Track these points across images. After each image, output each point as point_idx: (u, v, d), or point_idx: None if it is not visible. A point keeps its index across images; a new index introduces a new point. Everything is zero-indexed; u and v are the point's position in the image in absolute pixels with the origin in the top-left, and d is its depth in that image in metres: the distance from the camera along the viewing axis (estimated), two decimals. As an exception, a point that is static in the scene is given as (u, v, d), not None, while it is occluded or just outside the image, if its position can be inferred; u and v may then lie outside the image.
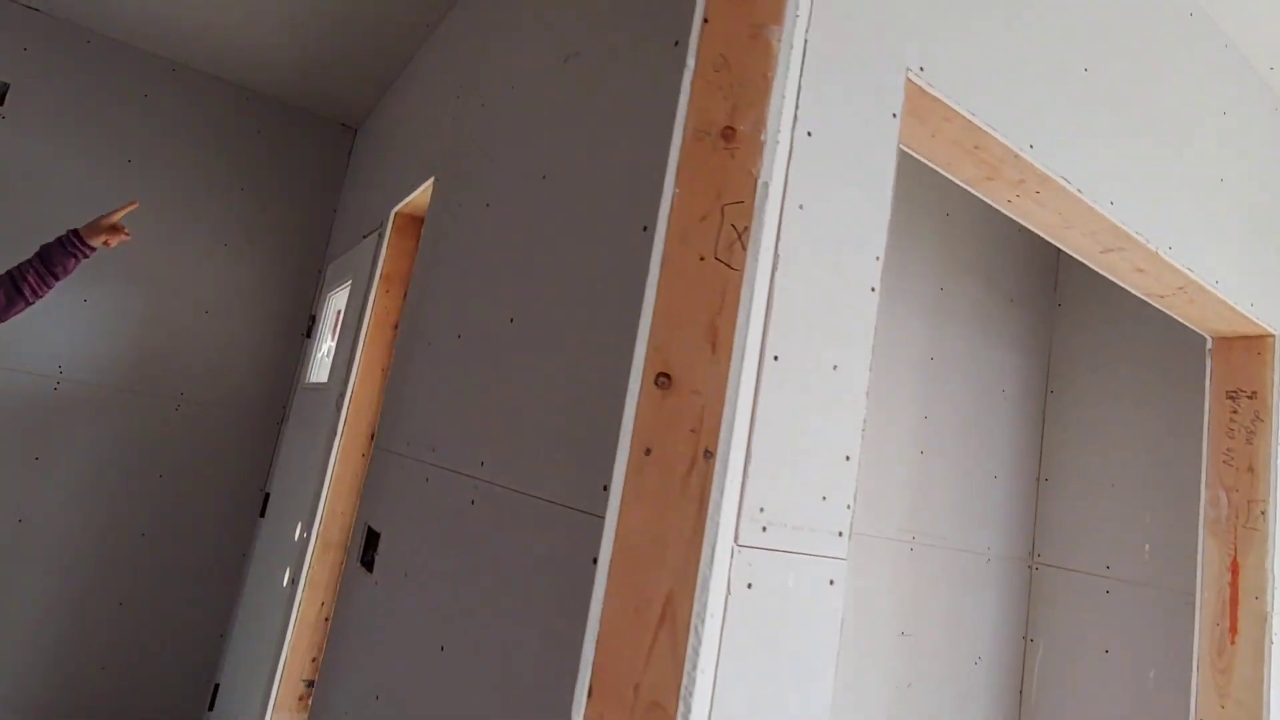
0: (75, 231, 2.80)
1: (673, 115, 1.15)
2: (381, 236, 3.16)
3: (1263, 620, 2.12)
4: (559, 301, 1.49)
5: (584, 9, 1.78)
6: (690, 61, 1.14)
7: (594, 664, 1.01)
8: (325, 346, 3.85)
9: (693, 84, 1.12)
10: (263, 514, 4.04)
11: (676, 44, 1.22)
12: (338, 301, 3.94)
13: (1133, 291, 2.21)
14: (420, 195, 2.88)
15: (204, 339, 4.10)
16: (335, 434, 3.02)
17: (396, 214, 3.14)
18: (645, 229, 1.17)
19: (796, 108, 1.13)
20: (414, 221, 3.17)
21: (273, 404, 4.27)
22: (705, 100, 1.11)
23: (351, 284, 3.40)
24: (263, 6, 3.38)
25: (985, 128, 1.49)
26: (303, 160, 4.42)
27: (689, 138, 1.11)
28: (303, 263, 4.40)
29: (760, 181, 1.09)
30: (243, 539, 4.19)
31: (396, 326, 3.11)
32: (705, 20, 1.14)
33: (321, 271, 4.43)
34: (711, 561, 1.01)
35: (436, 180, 2.60)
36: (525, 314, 1.64)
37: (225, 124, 4.22)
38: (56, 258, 2.75)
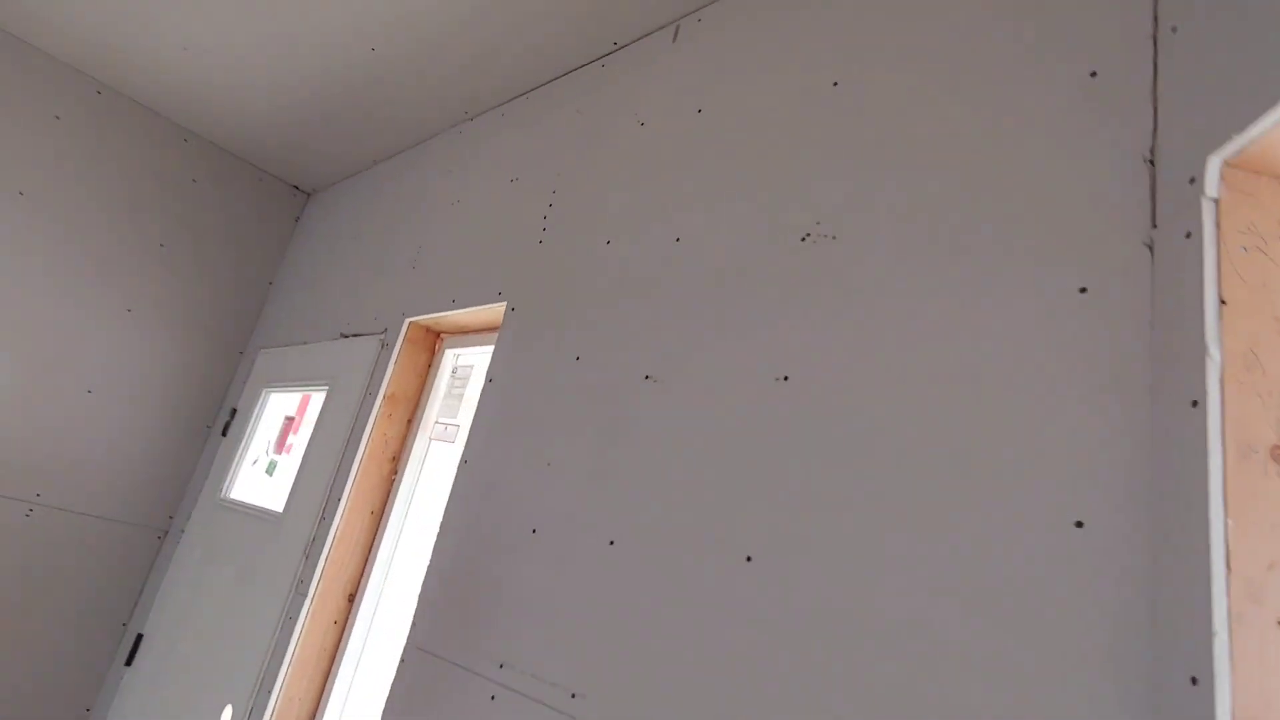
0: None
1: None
2: (387, 347, 2.62)
3: None
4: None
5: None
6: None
7: None
8: (259, 456, 3.12)
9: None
10: (130, 661, 3.12)
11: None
12: (284, 405, 3.25)
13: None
14: (464, 315, 2.42)
15: (79, 426, 3.20)
16: (298, 590, 2.37)
17: (412, 324, 2.63)
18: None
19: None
20: (430, 336, 2.67)
21: (154, 514, 3.39)
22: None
23: (329, 393, 2.79)
24: (248, 61, 2.81)
25: None
26: (240, 220, 3.72)
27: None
28: (223, 342, 3.63)
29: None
30: (88, 690, 3.20)
31: (395, 460, 2.55)
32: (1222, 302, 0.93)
33: (244, 354, 3.67)
34: None
35: (513, 309, 2.17)
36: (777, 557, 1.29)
37: (154, 166, 3.47)
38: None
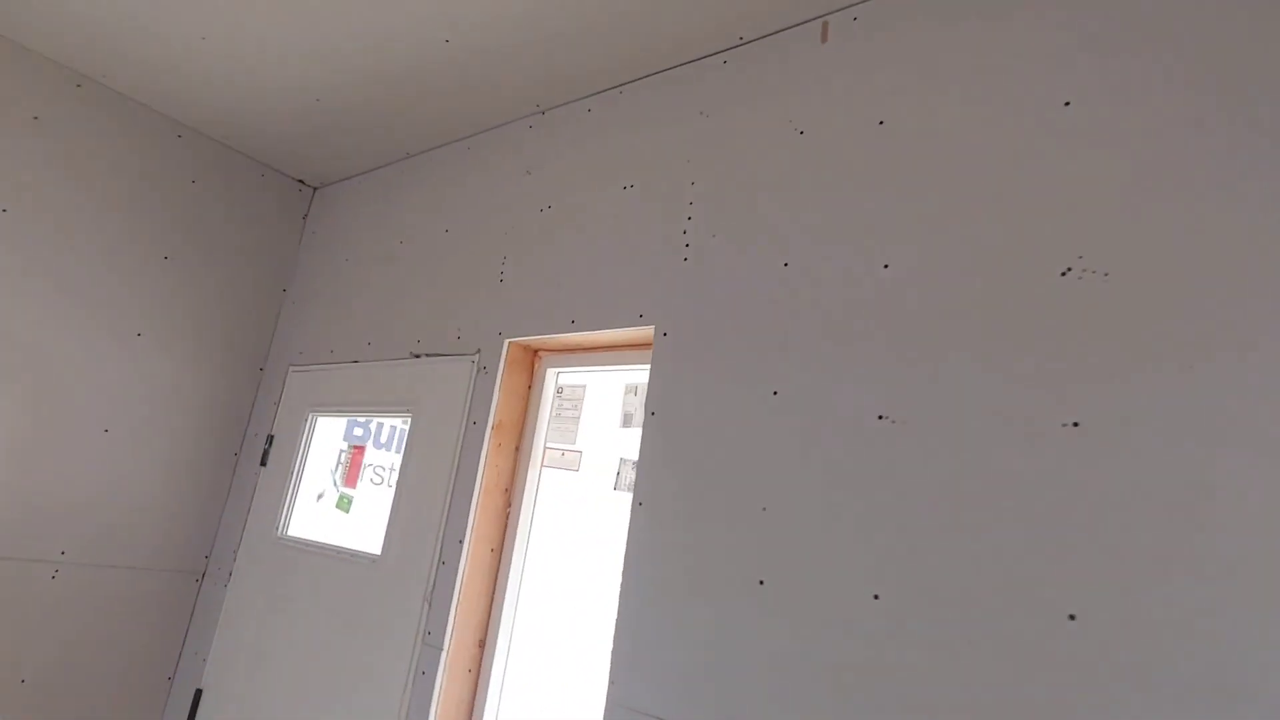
0: None
1: None
2: (487, 370, 2.43)
3: None
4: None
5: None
6: None
7: None
8: (324, 489, 2.87)
9: None
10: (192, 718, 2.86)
11: None
12: (332, 430, 2.98)
13: None
14: (584, 337, 2.25)
15: (99, 470, 2.84)
16: (427, 641, 2.22)
17: (512, 345, 2.44)
18: None
19: None
20: (527, 355, 2.49)
21: (189, 557, 3.09)
22: None
23: (414, 422, 2.57)
24: (270, 58, 2.45)
25: None
26: (246, 222, 3.34)
27: None
28: (241, 360, 3.29)
29: None
30: (139, 755, 2.93)
31: (507, 491, 2.40)
32: None
33: (265, 372, 3.34)
34: None
35: (664, 334, 2.03)
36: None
37: (149, 167, 3.04)
38: None
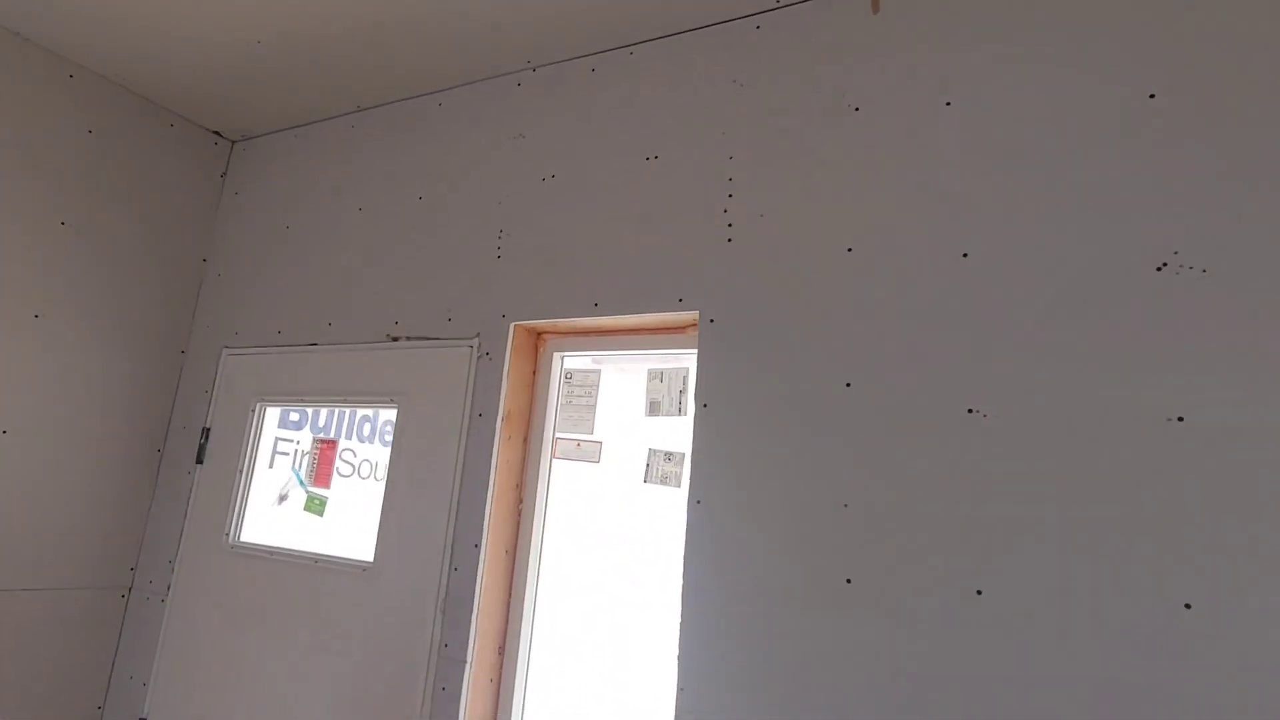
0: None
1: None
2: (491, 356, 2.22)
3: None
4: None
5: None
6: None
7: None
8: (288, 489, 2.55)
9: None
10: (136, 756, 2.52)
11: None
12: (271, 422, 2.65)
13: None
14: (607, 321, 2.09)
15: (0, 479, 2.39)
16: (444, 654, 2.05)
17: (517, 328, 2.24)
18: None
19: None
20: (531, 338, 2.30)
21: (112, 570, 2.68)
22: None
23: (403, 413, 2.31)
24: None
25: None
26: (154, 180, 2.85)
27: None
28: (157, 342, 2.84)
29: None
30: (69, 799, 2.55)
31: (519, 487, 2.23)
32: None
33: (189, 355, 2.91)
34: None
35: (711, 320, 1.91)
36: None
37: (37, 113, 2.51)
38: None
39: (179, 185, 2.93)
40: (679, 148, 2.09)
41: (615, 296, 2.07)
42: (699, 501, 1.83)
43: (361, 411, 2.50)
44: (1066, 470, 1.48)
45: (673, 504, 2.17)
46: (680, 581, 1.80)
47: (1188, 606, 1.35)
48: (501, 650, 2.14)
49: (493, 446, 2.15)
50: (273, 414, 2.68)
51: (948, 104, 1.76)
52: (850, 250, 1.79)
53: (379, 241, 2.57)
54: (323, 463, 2.46)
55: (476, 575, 2.08)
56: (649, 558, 2.16)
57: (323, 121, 2.89)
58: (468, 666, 2.03)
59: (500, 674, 2.13)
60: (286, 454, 2.69)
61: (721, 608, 1.74)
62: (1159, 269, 1.49)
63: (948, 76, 1.78)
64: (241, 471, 2.60)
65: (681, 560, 1.82)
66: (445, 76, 2.53)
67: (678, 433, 2.14)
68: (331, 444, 2.49)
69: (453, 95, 2.58)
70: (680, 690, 1.74)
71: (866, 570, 1.61)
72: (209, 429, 2.74)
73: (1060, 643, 1.42)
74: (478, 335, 2.27)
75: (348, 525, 2.39)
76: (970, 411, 1.59)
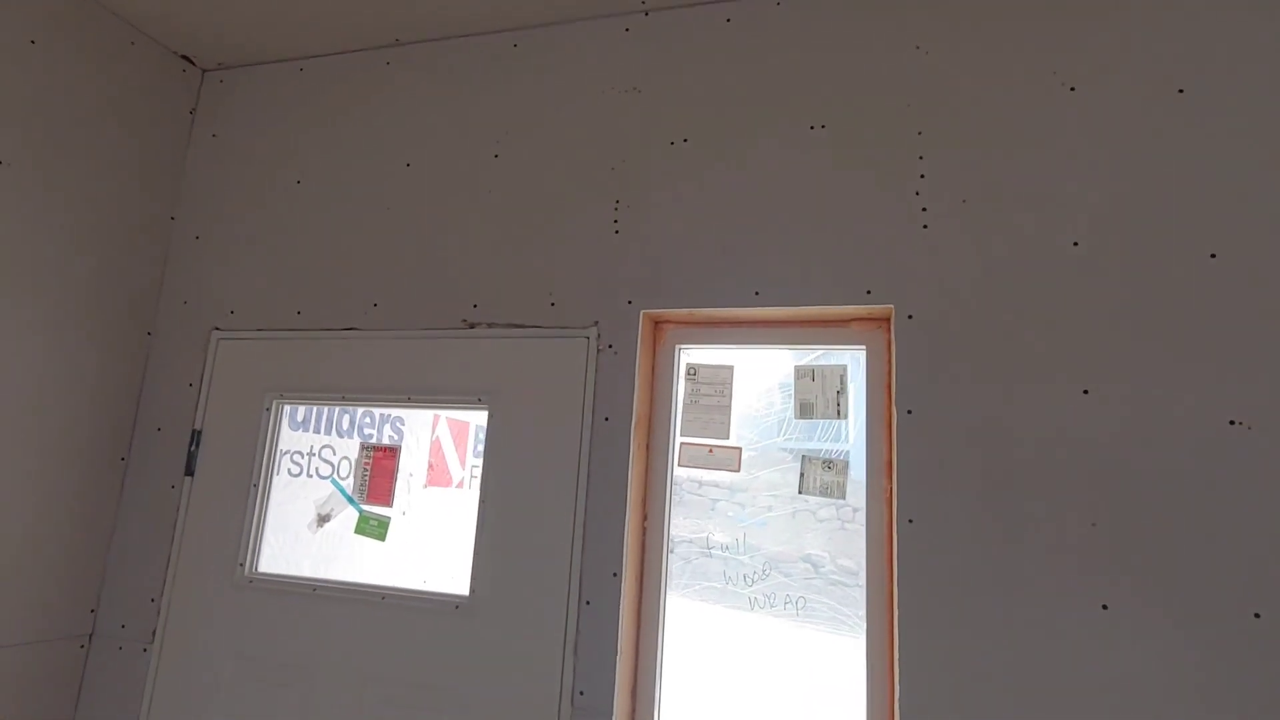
0: None
1: None
2: (617, 352, 1.88)
3: None
4: None
5: None
6: None
7: None
8: (332, 507, 2.06)
9: None
10: None
11: None
12: (302, 432, 2.16)
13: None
14: (768, 312, 1.82)
15: (-82, 508, 1.74)
16: (581, 704, 1.74)
17: (646, 317, 1.91)
18: None
19: None
20: (651, 328, 1.98)
21: (69, 616, 2.07)
22: None
23: (495, 417, 1.92)
24: None
25: None
26: (110, 113, 2.20)
27: None
28: (119, 321, 2.22)
29: None
30: None
31: (645, 502, 1.92)
32: None
33: (156, 338, 2.29)
34: None
35: (909, 316, 1.70)
36: None
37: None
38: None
39: (138, 119, 2.29)
40: (852, 119, 1.85)
41: (783, 285, 1.81)
42: (911, 521, 1.62)
43: (450, 413, 2.07)
44: (1339, 485, 1.42)
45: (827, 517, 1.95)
46: (898, 611, 1.60)
47: None
48: (634, 693, 1.84)
49: (628, 457, 1.83)
50: (315, 415, 2.17)
51: (1180, 91, 1.64)
52: (1075, 245, 1.64)
53: (437, 205, 2.13)
54: (380, 475, 2.01)
55: (619, 609, 1.76)
56: (819, 577, 1.92)
57: (345, 54, 2.36)
58: (612, 718, 1.72)
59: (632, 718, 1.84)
60: (299, 464, 2.20)
61: (950, 637, 1.56)
62: None
63: (1179, 62, 1.66)
64: (258, 485, 2.08)
65: (896, 582, 1.61)
66: (524, 15, 2.11)
67: (799, 438, 1.92)
68: (390, 453, 2.04)
69: (535, 36, 2.17)
70: (904, 734, 1.55)
71: (1125, 593, 1.49)
72: (199, 432, 2.17)
73: (1351, 666, 1.36)
74: (595, 324, 1.92)
75: (423, 552, 1.97)
76: (1232, 423, 1.49)
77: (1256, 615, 1.42)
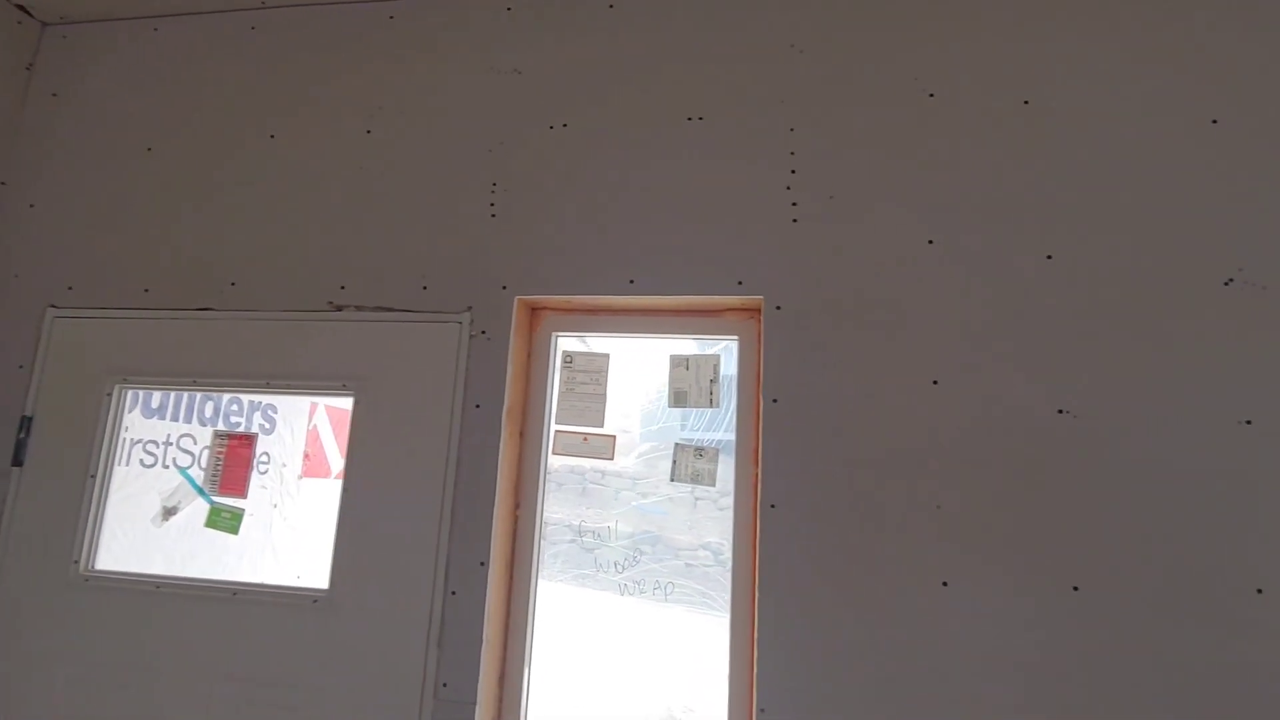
0: None
1: None
2: (491, 338, 1.85)
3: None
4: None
5: None
6: None
7: None
8: (178, 499, 1.92)
9: None
10: None
11: None
12: (142, 418, 2.01)
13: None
14: (634, 300, 1.83)
15: None
16: (444, 696, 1.70)
17: (521, 303, 1.89)
18: None
19: None
20: (527, 314, 1.96)
21: None
22: None
23: (361, 404, 1.84)
24: None
25: None
26: (-76, 62, 1.98)
27: None
28: (-68, 293, 1.99)
29: None
30: None
31: (516, 491, 1.90)
32: None
33: (-19, 313, 2.08)
34: None
35: (778, 308, 1.74)
36: None
37: None
38: None
39: (-37, 72, 2.07)
40: (729, 112, 1.88)
41: (658, 274, 1.82)
42: (774, 506, 1.67)
43: (303, 399, 1.97)
44: (1147, 469, 1.56)
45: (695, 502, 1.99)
46: (759, 593, 1.64)
47: (1260, 591, 1.49)
48: (501, 683, 1.82)
49: (499, 444, 1.80)
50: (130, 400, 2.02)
51: (1026, 102, 1.76)
52: (931, 243, 1.73)
53: (303, 180, 2.02)
54: (234, 464, 1.89)
55: (485, 598, 1.73)
56: (685, 561, 1.95)
57: (205, 15, 2.20)
58: (477, 709, 1.69)
59: (501, 710, 1.81)
60: (153, 454, 2.06)
61: (807, 617, 1.62)
62: (1226, 284, 1.61)
63: (1026, 74, 1.77)
64: (96, 476, 1.92)
65: (757, 565, 1.66)
66: (400, -16, 2.04)
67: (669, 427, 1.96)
68: (246, 440, 1.93)
69: (411, 8, 2.09)
70: (761, 711, 1.59)
71: (964, 571, 1.58)
72: (30, 418, 1.99)
73: (1148, 629, 1.50)
74: (469, 309, 1.88)
75: (280, 545, 1.88)
76: (1060, 412, 1.61)
77: (1075, 589, 1.54)
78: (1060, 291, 1.66)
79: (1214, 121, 1.68)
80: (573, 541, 1.94)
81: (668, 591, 1.88)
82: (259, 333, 1.94)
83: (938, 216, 1.74)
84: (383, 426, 1.84)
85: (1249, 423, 1.55)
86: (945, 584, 1.59)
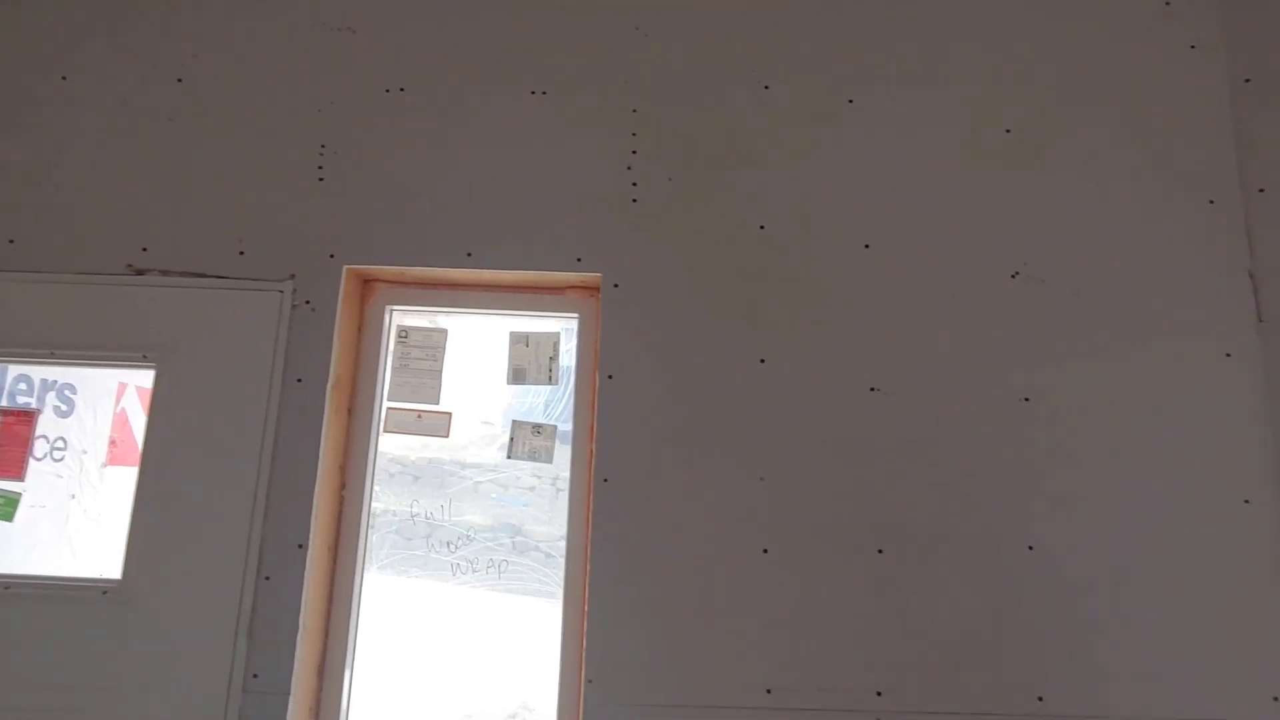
0: None
1: None
2: (316, 309, 1.74)
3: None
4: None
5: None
6: None
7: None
8: None
9: None
10: None
11: None
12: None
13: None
14: (471, 274, 1.79)
15: None
16: (251, 688, 1.60)
17: (350, 273, 1.79)
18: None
19: None
20: (359, 286, 1.87)
21: None
22: None
23: (164, 377, 1.67)
24: None
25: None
26: None
27: None
28: None
29: None
30: None
31: (343, 469, 1.81)
32: None
33: None
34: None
35: (615, 285, 1.75)
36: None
37: None
38: None
39: None
40: (573, 89, 1.87)
41: (496, 247, 1.79)
42: (606, 480, 1.69)
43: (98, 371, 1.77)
44: (943, 441, 1.72)
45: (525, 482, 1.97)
46: (590, 567, 1.65)
47: (1031, 548, 1.67)
48: (321, 673, 1.72)
49: (321, 421, 1.70)
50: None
51: (850, 101, 1.88)
52: (763, 228, 1.81)
53: (102, 130, 1.82)
54: (9, 443, 1.67)
55: (302, 583, 1.63)
56: (528, 540, 1.92)
57: (-22, -67, 1.93)
58: (290, 699, 1.59)
59: (320, 703, 1.72)
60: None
61: (636, 587, 1.64)
62: (1013, 276, 1.79)
63: (847, 74, 1.89)
64: None
65: (590, 537, 1.66)
66: (221, -76, 1.88)
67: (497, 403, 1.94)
68: (25, 417, 1.71)
69: (233, -47, 1.93)
70: (589, 682, 1.61)
71: (783, 538, 1.67)
72: None
73: (941, 584, 1.65)
74: (292, 277, 1.76)
75: (75, 540, 1.68)
76: (873, 390, 1.74)
77: (880, 551, 1.67)
78: (875, 278, 1.79)
79: (1008, 131, 1.87)
80: (428, 537, 1.87)
81: (501, 570, 1.86)
82: (42, 296, 1.73)
83: (769, 204, 1.82)
84: (189, 400, 1.69)
85: (1027, 400, 1.73)
86: (765, 550, 1.67)
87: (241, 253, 1.77)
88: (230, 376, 1.70)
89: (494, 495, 1.97)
